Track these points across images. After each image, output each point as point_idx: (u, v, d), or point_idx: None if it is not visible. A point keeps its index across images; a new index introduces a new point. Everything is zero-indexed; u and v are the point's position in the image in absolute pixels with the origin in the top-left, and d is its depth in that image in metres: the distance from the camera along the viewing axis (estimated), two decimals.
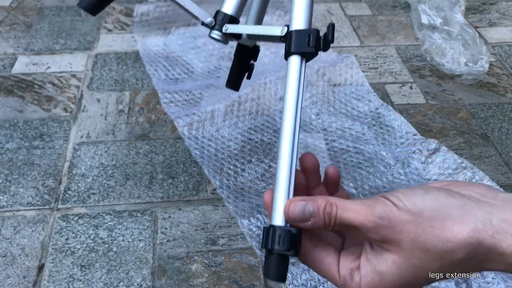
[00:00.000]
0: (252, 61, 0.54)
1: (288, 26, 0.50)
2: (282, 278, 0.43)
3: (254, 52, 0.53)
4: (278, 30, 0.52)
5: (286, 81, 0.48)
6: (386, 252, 0.40)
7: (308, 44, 0.47)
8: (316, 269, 0.44)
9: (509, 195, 0.39)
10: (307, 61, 0.49)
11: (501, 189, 0.99)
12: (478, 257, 0.38)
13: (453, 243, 0.38)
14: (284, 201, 0.45)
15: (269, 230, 0.44)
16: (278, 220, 0.44)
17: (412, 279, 0.40)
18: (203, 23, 0.54)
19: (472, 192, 0.40)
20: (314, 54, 0.48)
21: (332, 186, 0.49)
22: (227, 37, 0.55)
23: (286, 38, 0.50)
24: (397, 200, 0.40)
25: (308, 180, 0.48)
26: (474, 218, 0.38)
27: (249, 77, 0.57)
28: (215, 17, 0.59)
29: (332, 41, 0.48)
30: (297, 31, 0.48)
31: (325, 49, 0.48)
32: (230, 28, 0.55)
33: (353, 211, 0.41)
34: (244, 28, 0.58)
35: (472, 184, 0.42)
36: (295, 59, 0.48)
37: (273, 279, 0.43)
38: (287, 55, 0.49)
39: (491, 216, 0.38)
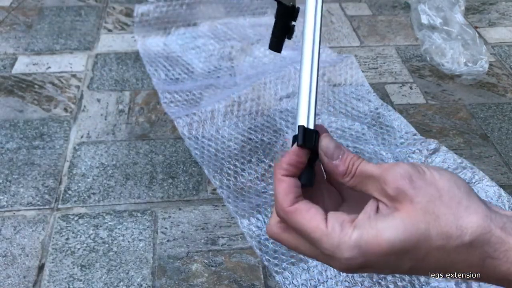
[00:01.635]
0: (292, 22, 0.54)
1: None
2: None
3: (293, 12, 0.53)
4: None
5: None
6: (395, 212, 0.38)
7: None
8: (296, 220, 0.41)
9: (507, 212, 0.40)
10: None
11: (501, 189, 0.99)
12: (484, 247, 0.37)
13: (464, 221, 0.37)
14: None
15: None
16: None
17: (412, 247, 0.37)
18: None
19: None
20: None
21: None
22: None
23: None
24: (424, 167, 0.39)
25: None
26: (488, 208, 0.38)
27: (290, 37, 0.57)
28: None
29: None
30: None
31: None
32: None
33: (375, 165, 0.40)
34: None
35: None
36: None
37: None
38: None
39: (502, 216, 0.38)
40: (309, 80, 0.48)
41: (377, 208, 0.39)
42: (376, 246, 0.37)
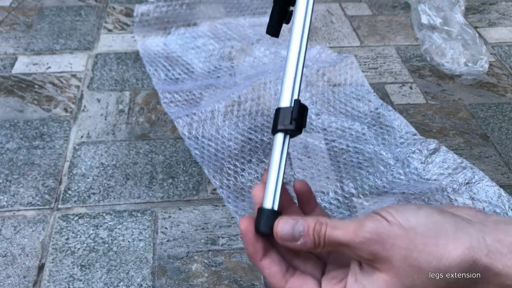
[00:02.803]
0: (291, 8, 0.54)
1: None
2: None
3: None
4: None
5: None
6: (377, 271, 0.38)
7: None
8: None
9: (500, 217, 0.38)
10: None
11: (501, 189, 0.99)
12: (471, 278, 0.36)
13: (447, 261, 0.36)
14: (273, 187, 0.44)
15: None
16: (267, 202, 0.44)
17: None
18: None
19: (463, 213, 0.39)
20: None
21: (306, 203, 0.47)
22: None
23: None
24: (388, 215, 0.38)
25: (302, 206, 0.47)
26: (468, 236, 0.37)
27: (287, 22, 0.57)
28: None
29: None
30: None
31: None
32: None
33: (342, 228, 0.39)
34: None
35: (461, 207, 0.41)
36: None
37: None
38: None
39: (485, 235, 0.36)
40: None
41: (360, 265, 0.40)
42: None
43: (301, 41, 0.47)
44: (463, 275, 0.36)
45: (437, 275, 0.36)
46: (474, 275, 0.36)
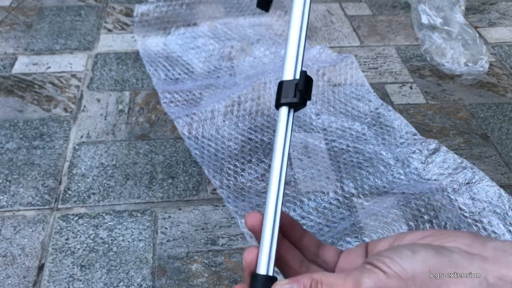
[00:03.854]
0: None
1: None
2: None
3: None
4: None
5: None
6: None
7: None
8: None
9: (498, 244, 0.37)
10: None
11: (502, 189, 0.99)
12: None
13: None
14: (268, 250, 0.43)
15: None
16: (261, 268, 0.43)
17: None
18: None
19: (459, 244, 0.38)
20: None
21: (291, 232, 0.46)
22: None
23: None
24: (384, 266, 0.36)
25: (289, 236, 0.46)
26: (469, 279, 0.36)
27: None
28: None
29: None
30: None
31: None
32: None
33: (339, 286, 0.37)
34: None
35: (455, 232, 0.40)
36: None
37: None
38: None
39: (486, 273, 0.35)
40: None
41: None
42: None
43: (303, 13, 0.45)
44: None
45: None
46: None
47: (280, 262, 0.45)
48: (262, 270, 0.42)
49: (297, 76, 0.44)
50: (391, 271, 0.36)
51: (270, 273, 0.42)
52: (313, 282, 0.39)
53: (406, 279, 0.36)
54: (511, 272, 0.35)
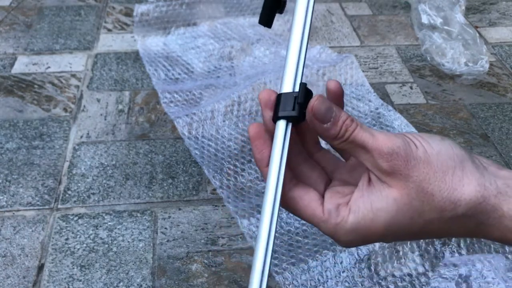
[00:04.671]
0: None
1: None
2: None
3: None
4: None
5: None
6: (388, 188, 0.38)
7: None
8: (294, 208, 0.42)
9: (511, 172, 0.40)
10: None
11: None
12: (478, 216, 0.38)
13: (459, 194, 0.37)
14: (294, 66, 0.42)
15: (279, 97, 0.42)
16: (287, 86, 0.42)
17: (408, 224, 0.38)
18: None
19: (480, 160, 0.41)
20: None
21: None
22: None
23: None
24: (416, 140, 0.39)
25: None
26: (482, 176, 0.38)
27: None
28: None
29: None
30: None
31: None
32: None
33: (372, 134, 0.39)
34: None
35: (478, 156, 0.42)
36: None
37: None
38: None
39: (496, 178, 0.38)
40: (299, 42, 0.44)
41: (369, 179, 0.40)
42: (374, 228, 0.38)
43: (304, 23, 0.44)
44: (470, 212, 0.37)
45: (445, 207, 0.37)
46: (479, 215, 0.38)
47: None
48: (287, 89, 0.42)
49: (296, 89, 0.43)
50: (420, 144, 0.38)
51: (297, 89, 0.42)
52: (350, 119, 0.40)
53: (430, 154, 0.38)
54: None
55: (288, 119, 0.42)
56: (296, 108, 0.41)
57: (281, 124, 0.42)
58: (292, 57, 0.43)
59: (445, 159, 0.38)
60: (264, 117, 0.43)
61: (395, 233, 0.39)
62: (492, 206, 0.37)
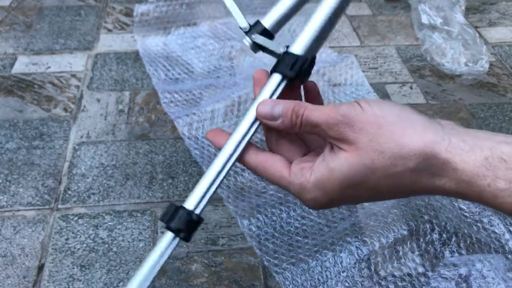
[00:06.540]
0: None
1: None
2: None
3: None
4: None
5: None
6: (343, 152, 0.42)
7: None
8: (261, 170, 0.46)
9: (478, 130, 0.41)
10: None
11: None
12: (430, 169, 0.39)
13: (408, 149, 0.39)
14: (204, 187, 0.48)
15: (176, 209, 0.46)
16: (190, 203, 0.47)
17: (361, 180, 0.41)
18: (240, 27, 0.56)
19: (443, 122, 0.42)
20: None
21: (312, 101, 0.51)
22: (255, 46, 0.57)
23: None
24: (364, 103, 0.42)
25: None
26: (434, 132, 0.40)
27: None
28: (252, 25, 0.60)
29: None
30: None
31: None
32: (257, 38, 0.57)
33: (319, 110, 0.43)
34: (262, 40, 0.59)
35: (445, 120, 0.44)
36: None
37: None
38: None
39: (451, 136, 0.39)
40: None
41: (332, 147, 0.43)
42: (330, 184, 0.42)
43: None
44: (420, 166, 0.39)
45: (396, 162, 0.40)
46: (431, 168, 0.39)
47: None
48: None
49: (303, 53, 0.46)
50: (368, 107, 0.41)
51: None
52: (297, 105, 0.45)
53: (378, 116, 0.41)
54: (474, 139, 0.39)
55: (284, 76, 0.46)
56: (295, 70, 0.46)
57: (276, 77, 0.47)
58: (316, 20, 0.48)
59: (394, 120, 0.40)
60: (255, 95, 0.48)
61: (352, 188, 0.42)
62: (443, 160, 0.39)
